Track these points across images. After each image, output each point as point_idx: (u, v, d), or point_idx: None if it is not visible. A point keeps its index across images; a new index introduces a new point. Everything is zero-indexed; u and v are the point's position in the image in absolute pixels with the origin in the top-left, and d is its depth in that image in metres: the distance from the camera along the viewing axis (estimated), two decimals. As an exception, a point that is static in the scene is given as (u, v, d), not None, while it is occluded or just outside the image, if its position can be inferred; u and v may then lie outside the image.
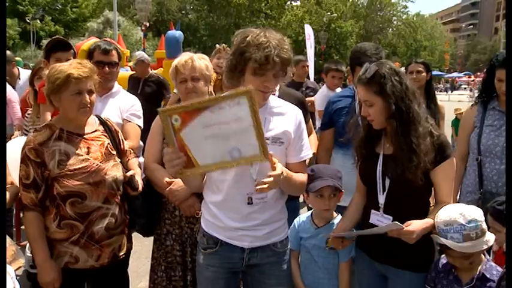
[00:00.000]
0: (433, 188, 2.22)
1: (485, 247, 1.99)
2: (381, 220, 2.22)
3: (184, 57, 2.70)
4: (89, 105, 2.33)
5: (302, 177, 2.24)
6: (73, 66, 2.29)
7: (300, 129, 2.21)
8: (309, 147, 2.27)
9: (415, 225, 2.04)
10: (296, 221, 2.61)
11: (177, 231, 2.68)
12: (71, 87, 2.27)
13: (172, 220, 2.69)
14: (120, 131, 2.64)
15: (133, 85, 6.45)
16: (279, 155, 2.10)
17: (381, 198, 2.21)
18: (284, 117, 2.19)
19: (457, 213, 2.01)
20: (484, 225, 2.01)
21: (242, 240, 2.17)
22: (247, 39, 2.05)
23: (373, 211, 2.23)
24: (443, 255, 2.20)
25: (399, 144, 2.11)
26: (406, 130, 2.09)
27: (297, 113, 2.25)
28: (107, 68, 3.10)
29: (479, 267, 2.06)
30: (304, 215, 2.67)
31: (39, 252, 2.28)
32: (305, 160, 2.27)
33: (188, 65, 2.63)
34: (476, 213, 2.01)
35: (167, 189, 2.49)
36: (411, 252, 2.17)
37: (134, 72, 7.11)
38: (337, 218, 2.52)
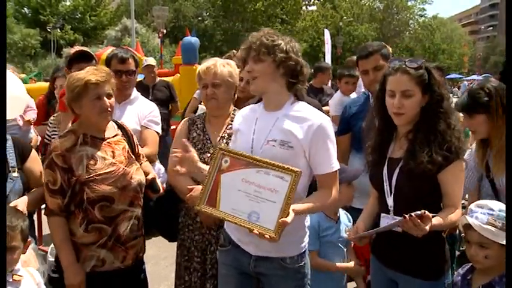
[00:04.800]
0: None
1: (504, 242, 1.87)
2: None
3: (209, 62, 2.69)
4: (109, 109, 2.39)
5: (324, 198, 2.10)
6: (90, 73, 2.35)
7: (319, 139, 2.08)
8: (333, 158, 2.13)
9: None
10: (312, 222, 2.59)
11: (197, 237, 2.68)
12: (90, 92, 2.33)
13: (194, 226, 2.70)
14: (134, 136, 2.68)
15: (143, 92, 6.28)
16: (287, 158, 2.04)
17: (390, 201, 2.21)
18: (299, 121, 2.10)
19: (493, 202, 2.01)
20: None
21: (248, 246, 2.18)
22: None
23: (383, 214, 2.22)
24: (464, 265, 2.15)
25: (427, 133, 2.11)
26: (437, 121, 2.11)
27: (319, 121, 2.09)
28: (124, 77, 3.18)
29: (495, 276, 1.96)
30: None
31: (66, 256, 2.33)
32: (335, 173, 2.13)
33: (210, 70, 2.63)
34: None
35: (188, 195, 2.49)
36: (422, 259, 2.15)
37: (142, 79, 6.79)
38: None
